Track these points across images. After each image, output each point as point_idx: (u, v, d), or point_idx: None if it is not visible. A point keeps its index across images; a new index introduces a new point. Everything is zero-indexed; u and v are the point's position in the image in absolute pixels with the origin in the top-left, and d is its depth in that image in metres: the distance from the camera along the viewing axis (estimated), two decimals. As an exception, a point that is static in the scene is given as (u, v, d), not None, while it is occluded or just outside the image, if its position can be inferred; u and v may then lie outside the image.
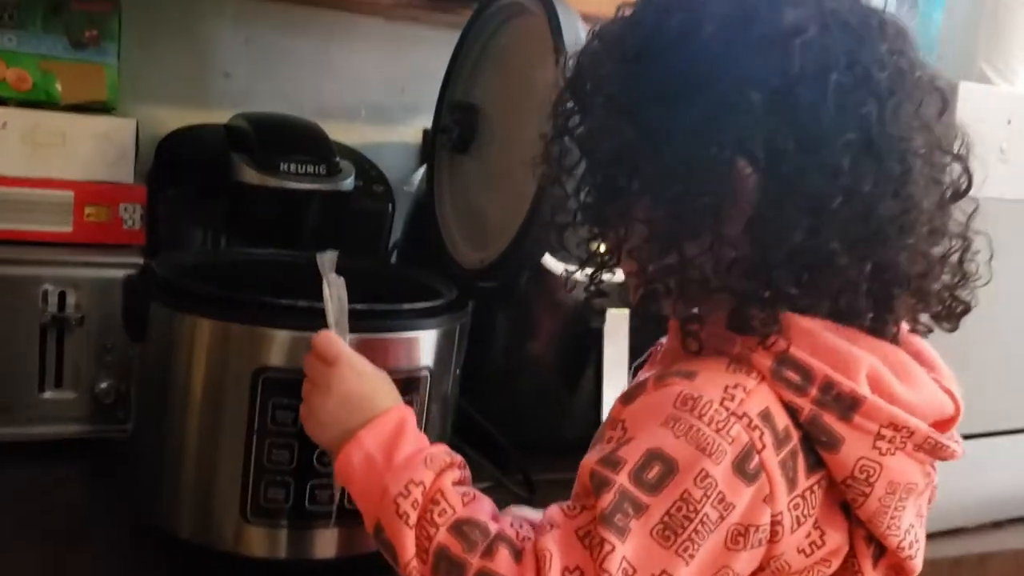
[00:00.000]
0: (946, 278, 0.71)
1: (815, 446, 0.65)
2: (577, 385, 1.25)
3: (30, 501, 1.04)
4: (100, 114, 1.22)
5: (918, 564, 0.71)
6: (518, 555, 0.64)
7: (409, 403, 0.80)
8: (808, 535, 0.66)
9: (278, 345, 0.88)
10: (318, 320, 0.85)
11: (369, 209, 1.30)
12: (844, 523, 0.68)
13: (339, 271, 0.87)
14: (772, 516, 0.63)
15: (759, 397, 0.64)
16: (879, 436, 0.64)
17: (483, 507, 0.69)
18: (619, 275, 0.79)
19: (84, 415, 1.16)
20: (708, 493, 0.61)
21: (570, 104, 0.74)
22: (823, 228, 0.64)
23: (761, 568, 0.65)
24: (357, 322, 0.85)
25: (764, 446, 0.63)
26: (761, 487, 0.62)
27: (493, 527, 0.66)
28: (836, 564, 0.68)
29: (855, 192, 0.64)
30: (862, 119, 0.64)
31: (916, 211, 0.66)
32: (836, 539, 0.67)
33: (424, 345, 0.94)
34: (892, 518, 0.67)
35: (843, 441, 0.64)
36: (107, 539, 0.99)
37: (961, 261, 0.71)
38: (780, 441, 0.64)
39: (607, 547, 0.61)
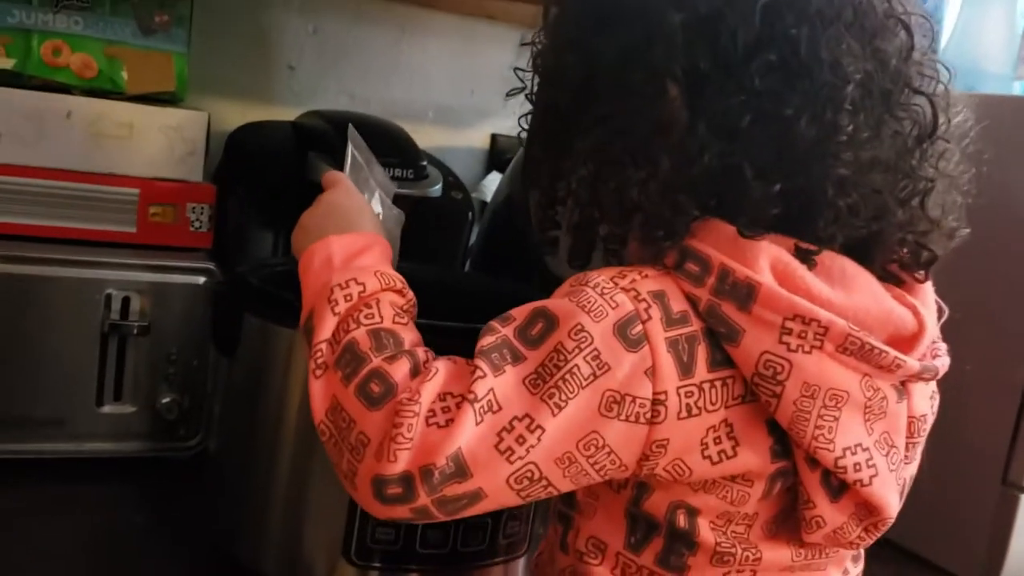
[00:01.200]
0: (908, 222, 0.67)
1: (720, 340, 0.62)
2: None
3: (85, 521, 0.97)
4: (168, 105, 1.13)
5: (880, 499, 0.64)
6: (414, 368, 0.64)
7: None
8: (714, 438, 0.62)
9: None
10: (439, 337, 0.77)
11: (448, 216, 1.22)
12: (766, 442, 0.63)
13: (444, 285, 0.86)
14: (654, 393, 0.60)
15: (655, 281, 0.63)
16: (784, 329, 0.60)
17: (410, 331, 0.69)
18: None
19: (144, 431, 1.08)
20: (581, 347, 0.60)
21: (540, 39, 0.75)
22: (735, 149, 0.62)
23: (646, 457, 0.61)
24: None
25: (649, 318, 0.61)
26: (643, 357, 0.60)
27: (408, 344, 0.66)
28: (758, 489, 0.64)
29: (769, 113, 0.62)
30: (789, 41, 0.62)
31: (842, 137, 0.63)
32: (751, 459, 0.63)
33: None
34: (818, 428, 0.61)
35: (743, 332, 0.61)
36: (172, 568, 0.92)
37: (923, 205, 0.67)
38: (672, 320, 0.61)
39: (479, 373, 0.60)
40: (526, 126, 0.78)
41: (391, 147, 1.13)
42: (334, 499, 0.81)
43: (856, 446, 0.63)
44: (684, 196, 0.63)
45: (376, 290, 0.69)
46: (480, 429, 0.59)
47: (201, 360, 1.09)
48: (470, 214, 1.25)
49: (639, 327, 0.60)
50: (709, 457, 0.62)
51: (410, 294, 0.72)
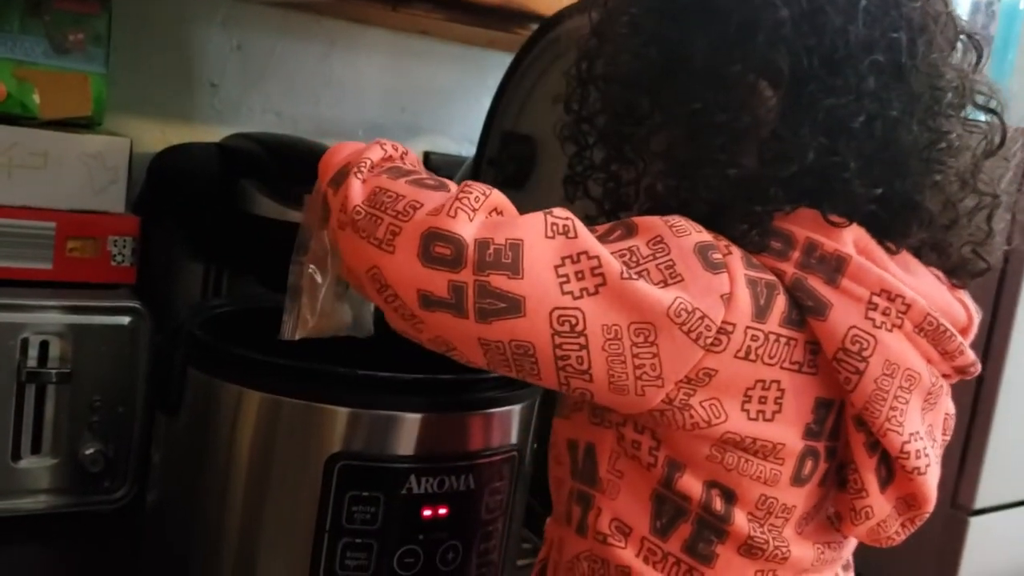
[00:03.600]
0: (970, 234, 0.67)
1: (803, 313, 0.60)
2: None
3: None
4: (85, 131, 1.05)
5: (929, 491, 0.64)
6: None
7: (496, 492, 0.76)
8: (760, 395, 0.60)
9: (358, 426, 0.74)
10: (403, 396, 0.73)
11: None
12: (805, 419, 0.62)
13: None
14: (724, 320, 0.57)
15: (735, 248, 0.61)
16: (871, 304, 0.59)
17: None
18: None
19: (66, 485, 1.00)
20: (657, 255, 0.58)
21: (594, 43, 0.71)
22: (840, 148, 0.61)
23: (688, 381, 0.58)
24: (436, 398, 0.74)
25: (730, 253, 0.59)
26: (721, 281, 0.58)
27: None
28: (788, 469, 0.62)
29: (879, 114, 0.61)
30: (891, 43, 0.61)
31: (945, 145, 0.63)
32: (785, 431, 0.61)
33: (514, 420, 0.81)
34: (892, 409, 0.60)
35: (831, 306, 0.59)
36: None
37: (989, 219, 0.67)
38: (752, 264, 0.60)
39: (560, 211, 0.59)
40: (569, 134, 0.74)
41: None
42: (290, 563, 0.76)
43: (916, 433, 0.62)
44: (778, 192, 0.61)
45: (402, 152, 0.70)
46: (549, 242, 0.57)
47: (127, 406, 1.01)
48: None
49: (719, 255, 0.58)
50: (747, 411, 0.60)
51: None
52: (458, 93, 1.46)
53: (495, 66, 1.09)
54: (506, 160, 1.02)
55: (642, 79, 0.66)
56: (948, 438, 0.68)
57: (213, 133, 1.22)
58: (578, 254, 0.57)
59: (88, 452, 1.00)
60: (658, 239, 0.59)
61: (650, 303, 0.56)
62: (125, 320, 1.00)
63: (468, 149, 1.15)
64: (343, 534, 0.74)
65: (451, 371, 0.79)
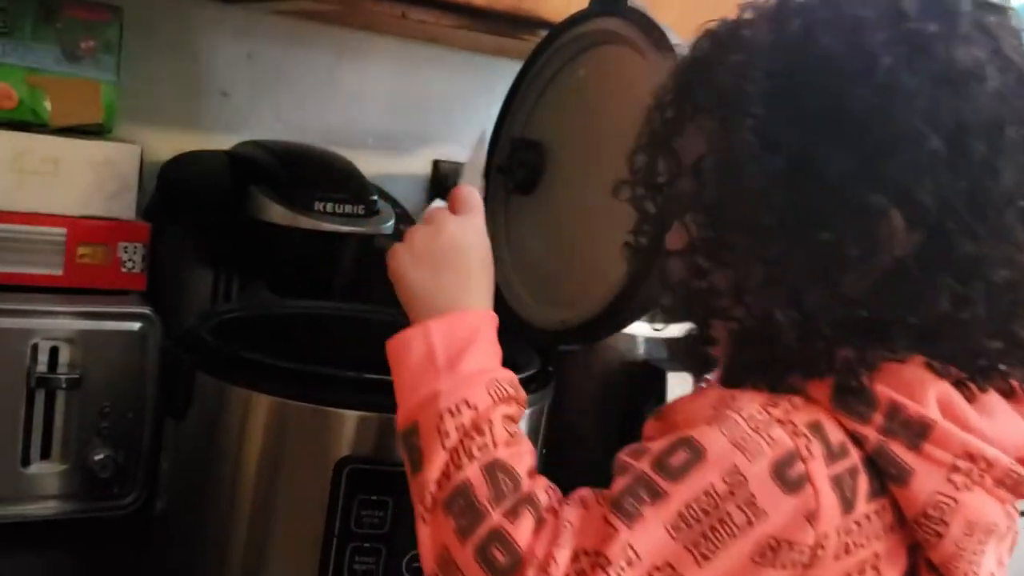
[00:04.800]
0: None
1: (884, 479, 0.58)
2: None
3: None
4: (96, 138, 1.05)
5: None
6: (539, 523, 0.59)
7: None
8: (861, 570, 0.58)
9: (367, 429, 0.74)
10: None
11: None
12: (904, 565, 0.60)
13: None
14: (816, 537, 0.56)
15: (809, 411, 0.59)
16: (954, 468, 0.58)
17: (524, 456, 0.63)
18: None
19: (75, 491, 1.00)
20: (735, 491, 0.56)
21: (700, 124, 0.65)
22: (976, 299, 0.58)
23: None
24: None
25: (811, 455, 0.56)
26: (805, 501, 0.56)
27: (526, 484, 0.61)
28: None
29: (1018, 264, 0.58)
30: None
31: None
32: None
33: (524, 426, 0.80)
34: (970, 563, 0.59)
35: (913, 473, 0.57)
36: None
37: None
38: (833, 454, 0.57)
39: (610, 530, 0.56)
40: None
41: (339, 182, 1.08)
42: (299, 568, 0.76)
43: (992, 574, 0.61)
44: (899, 338, 0.59)
45: (488, 408, 0.63)
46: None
47: (137, 412, 1.01)
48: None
49: (799, 467, 0.56)
50: None
51: (523, 394, 0.67)
52: (467, 101, 1.46)
53: (504, 74, 1.09)
54: (515, 166, 1.02)
55: (762, 188, 0.60)
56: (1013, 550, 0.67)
57: (223, 141, 1.22)
58: (649, 573, 0.56)
59: (97, 458, 1.00)
60: (734, 470, 0.56)
61: (732, 567, 0.55)
62: (135, 326, 1.00)
63: (476, 157, 1.15)
64: (352, 538, 0.74)
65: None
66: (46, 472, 0.98)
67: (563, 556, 0.57)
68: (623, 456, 0.60)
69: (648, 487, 0.57)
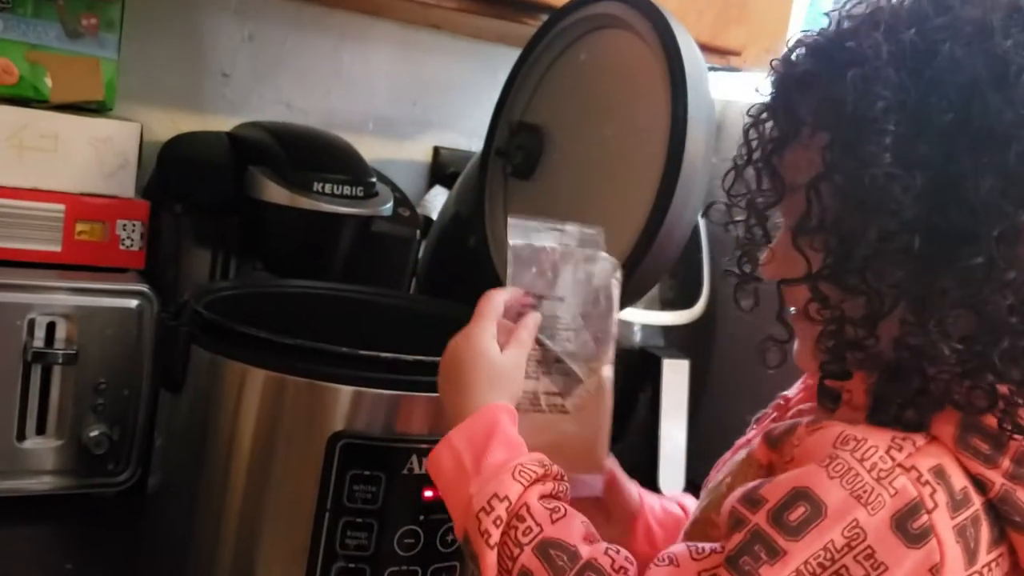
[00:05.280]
0: None
1: (1004, 525, 0.56)
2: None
3: (5, 567, 0.90)
4: (96, 115, 1.05)
5: None
6: None
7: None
8: None
9: (361, 405, 0.74)
10: (407, 375, 0.73)
11: (395, 234, 1.16)
12: None
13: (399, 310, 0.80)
14: None
15: (933, 452, 0.56)
16: None
17: (573, 526, 0.62)
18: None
19: (70, 467, 1.00)
20: (853, 544, 0.53)
21: (821, 139, 0.60)
22: None
23: None
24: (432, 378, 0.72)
25: (936, 505, 0.54)
26: (929, 554, 0.53)
27: (584, 551, 0.60)
28: None
29: None
30: None
31: None
32: None
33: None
34: None
35: None
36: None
37: None
38: (957, 503, 0.55)
39: None
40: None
41: (339, 163, 1.08)
42: (291, 542, 0.76)
43: None
44: None
45: (520, 494, 0.62)
46: None
47: (133, 389, 1.01)
48: (417, 232, 1.20)
49: (923, 519, 0.54)
50: None
51: (554, 468, 0.65)
52: (468, 88, 1.46)
53: (505, 61, 1.09)
54: (514, 150, 1.02)
55: (900, 209, 0.56)
56: None
57: (224, 123, 1.22)
58: None
59: (93, 434, 1.00)
60: (853, 524, 0.53)
61: None
62: (133, 303, 1.00)
63: (477, 144, 1.15)
64: (344, 513, 0.74)
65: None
66: (41, 447, 0.99)
67: None
68: (738, 505, 0.58)
69: (766, 544, 0.55)
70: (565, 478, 0.65)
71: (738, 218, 0.68)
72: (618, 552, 0.61)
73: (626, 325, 1.13)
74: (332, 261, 1.08)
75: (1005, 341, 0.56)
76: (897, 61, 0.57)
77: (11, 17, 1.02)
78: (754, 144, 0.65)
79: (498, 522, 0.61)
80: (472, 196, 1.11)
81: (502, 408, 0.67)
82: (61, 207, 1.01)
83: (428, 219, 1.32)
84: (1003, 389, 0.56)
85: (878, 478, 0.54)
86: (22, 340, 0.96)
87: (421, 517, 0.76)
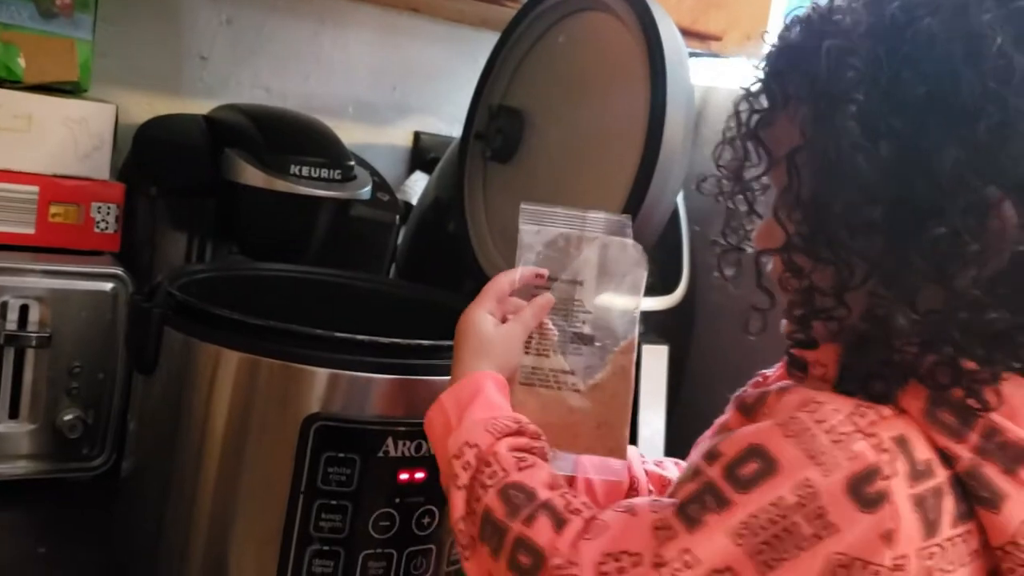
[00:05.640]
0: None
1: (973, 502, 0.55)
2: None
3: None
4: (70, 96, 1.04)
5: None
6: (560, 524, 0.60)
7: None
8: None
9: (336, 387, 0.74)
10: (382, 358, 0.73)
11: (375, 219, 1.15)
12: None
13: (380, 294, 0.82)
14: (893, 559, 0.53)
15: (897, 424, 0.55)
16: None
17: (538, 475, 0.64)
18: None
19: (44, 451, 0.99)
20: (805, 503, 0.53)
21: (792, 112, 0.61)
22: None
23: None
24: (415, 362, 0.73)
25: (895, 472, 0.53)
26: (882, 520, 0.52)
27: (543, 494, 0.62)
28: None
29: None
30: None
31: None
32: None
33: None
34: None
35: (1006, 499, 0.54)
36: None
37: None
38: (918, 473, 0.54)
39: (670, 533, 0.55)
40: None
41: (316, 146, 1.07)
42: (265, 525, 0.75)
43: None
44: (1020, 342, 0.55)
45: (490, 443, 0.65)
46: None
47: (107, 373, 1.00)
48: (397, 217, 1.19)
49: (880, 484, 0.53)
50: None
51: (531, 428, 0.67)
52: (448, 73, 1.45)
53: (486, 46, 1.09)
54: (493, 133, 1.02)
55: (867, 179, 0.56)
56: None
57: (202, 106, 1.21)
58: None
59: (67, 418, 0.99)
60: (805, 483, 0.53)
61: (808, 570, 0.53)
62: (107, 286, 0.99)
63: (457, 129, 1.14)
64: (318, 495, 0.73)
65: (431, 336, 0.79)
66: (14, 432, 0.98)
67: (591, 548, 0.57)
68: (698, 460, 0.58)
69: (716, 496, 0.55)
70: (543, 438, 0.67)
71: (726, 190, 0.68)
72: (575, 497, 0.62)
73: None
74: (309, 245, 1.07)
75: (964, 313, 0.55)
76: (876, 34, 0.57)
77: (-17, -4, 1.00)
78: (743, 117, 0.65)
79: (467, 466, 0.64)
80: (452, 181, 1.10)
81: (488, 375, 0.70)
82: (35, 189, 1.00)
83: (408, 204, 1.32)
84: (970, 365, 0.56)
85: (835, 440, 0.54)
86: (-6, 323, 0.95)
87: (396, 500, 0.75)
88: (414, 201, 1.31)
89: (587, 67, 0.96)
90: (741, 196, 0.67)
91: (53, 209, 1.01)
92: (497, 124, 1.02)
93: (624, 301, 0.75)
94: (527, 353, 0.74)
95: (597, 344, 0.74)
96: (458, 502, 0.64)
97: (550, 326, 0.74)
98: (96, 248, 1.04)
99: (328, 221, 1.07)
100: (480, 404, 0.68)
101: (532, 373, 0.74)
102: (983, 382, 0.56)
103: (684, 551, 0.54)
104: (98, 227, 1.04)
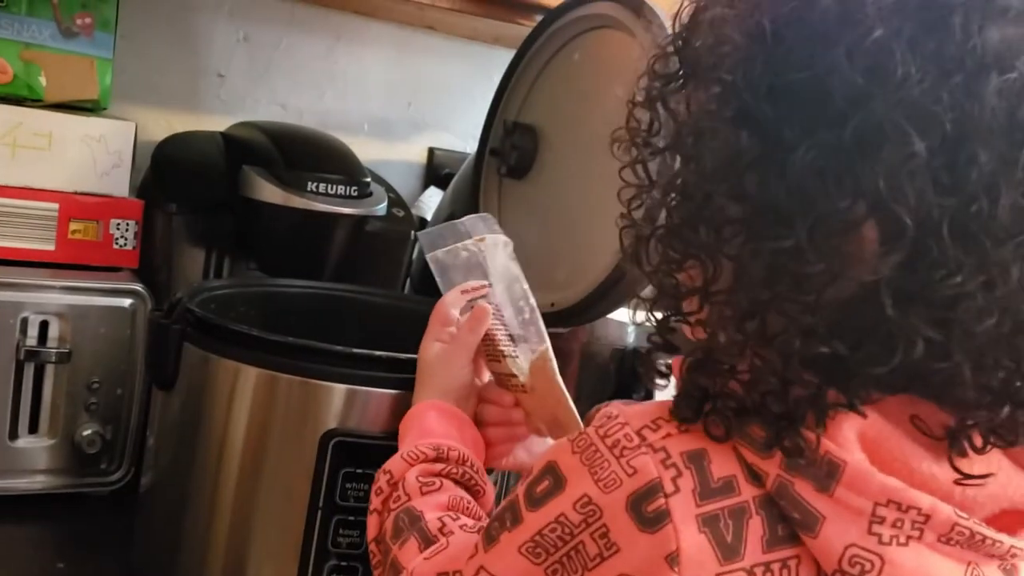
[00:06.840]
0: None
1: (793, 526, 0.50)
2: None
3: None
4: (90, 114, 1.05)
5: None
6: (426, 545, 0.63)
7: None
8: None
9: (354, 403, 0.74)
10: (399, 374, 0.73)
11: (390, 235, 1.16)
12: None
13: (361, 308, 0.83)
14: None
15: (693, 438, 0.50)
16: (876, 518, 0.48)
17: (437, 498, 0.67)
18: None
19: (63, 466, 1.00)
20: (589, 521, 0.50)
21: (677, 71, 0.55)
22: (954, 350, 0.47)
23: None
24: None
25: (676, 490, 0.48)
26: (664, 540, 0.48)
27: (425, 517, 0.65)
28: None
29: (1013, 312, 0.47)
30: None
31: None
32: None
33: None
34: None
35: (822, 520, 0.48)
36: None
37: None
38: (711, 491, 0.49)
39: (473, 551, 0.56)
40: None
41: (333, 163, 1.08)
42: (283, 540, 0.76)
43: None
44: (868, 384, 0.48)
45: (403, 470, 0.69)
46: None
47: (126, 389, 1.01)
48: (412, 232, 1.20)
49: (660, 502, 0.48)
50: None
51: (455, 453, 0.70)
52: (463, 89, 1.46)
53: (500, 63, 1.10)
54: (509, 150, 1.02)
55: (724, 168, 0.50)
56: None
57: (219, 123, 1.22)
58: None
59: (85, 433, 1.00)
60: (585, 500, 0.51)
61: None
62: (126, 302, 1.00)
63: (472, 145, 1.15)
64: (337, 511, 0.74)
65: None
66: (34, 446, 0.98)
67: (427, 568, 0.60)
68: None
69: (513, 513, 0.54)
70: (469, 461, 0.70)
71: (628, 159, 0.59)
72: (456, 519, 0.64)
73: (620, 325, 1.13)
74: (325, 260, 1.08)
75: (797, 341, 0.48)
76: (767, 11, 0.50)
77: (5, 16, 1.02)
78: (649, 82, 0.57)
79: (379, 492, 0.69)
80: (467, 196, 1.11)
81: (428, 405, 0.73)
82: (55, 206, 1.01)
83: (423, 220, 1.32)
84: (799, 393, 0.49)
85: (618, 455, 0.50)
86: (15, 339, 0.95)
87: (414, 515, 0.76)
88: (429, 216, 1.32)
89: (602, 83, 0.97)
90: (642, 168, 0.58)
91: (73, 226, 1.02)
92: (512, 140, 1.02)
93: (518, 293, 0.78)
94: (489, 362, 0.77)
95: (523, 342, 0.76)
96: (370, 525, 0.68)
97: (498, 333, 0.76)
98: (115, 264, 1.04)
99: (344, 237, 1.08)
100: (412, 436, 0.71)
101: (500, 380, 0.77)
102: (808, 415, 0.49)
103: (480, 568, 0.55)
104: (117, 244, 1.04)
